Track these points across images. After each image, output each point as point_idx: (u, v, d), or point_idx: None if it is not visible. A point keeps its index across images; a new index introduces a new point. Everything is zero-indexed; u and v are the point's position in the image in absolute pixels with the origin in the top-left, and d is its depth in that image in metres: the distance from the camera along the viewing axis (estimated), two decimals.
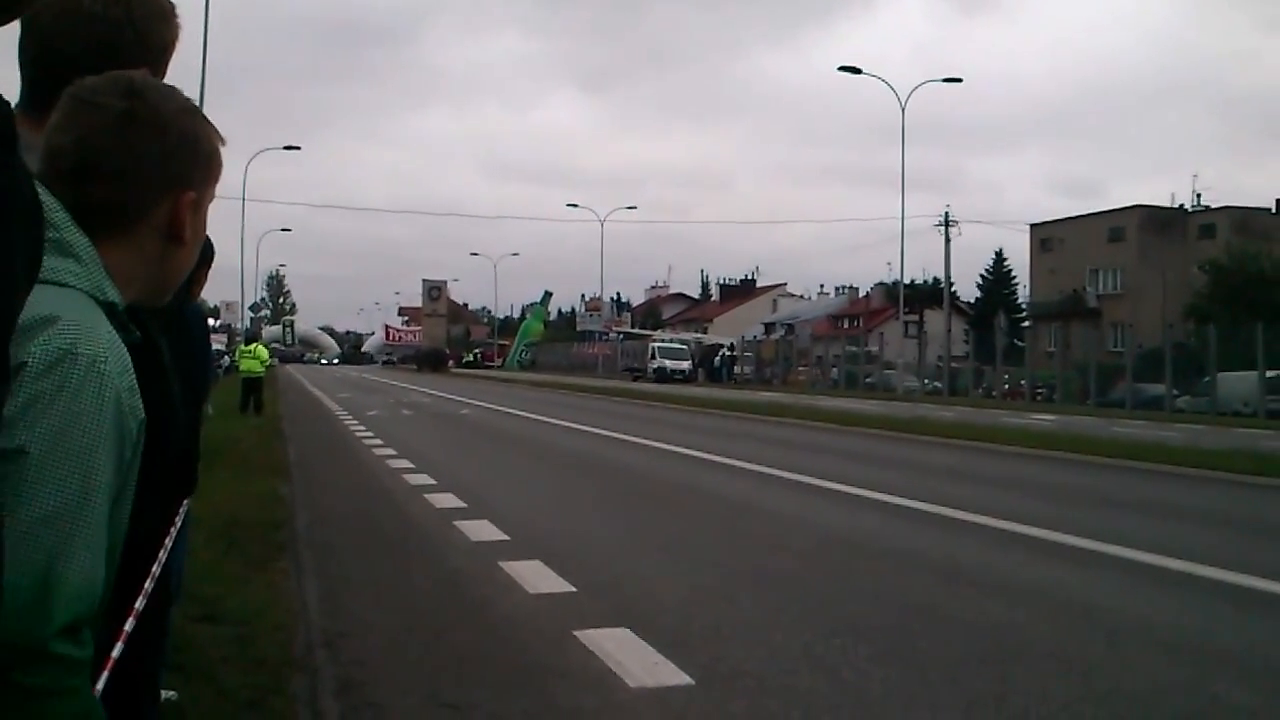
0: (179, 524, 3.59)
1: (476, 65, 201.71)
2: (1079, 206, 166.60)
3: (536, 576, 6.75)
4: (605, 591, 6.51)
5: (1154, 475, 14.33)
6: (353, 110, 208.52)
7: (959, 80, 53.05)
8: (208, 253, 3.85)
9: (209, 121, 1.53)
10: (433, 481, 11.80)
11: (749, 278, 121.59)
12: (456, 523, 8.91)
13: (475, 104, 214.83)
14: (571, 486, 12.51)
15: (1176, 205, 70.52)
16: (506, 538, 8.23)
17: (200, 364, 3.54)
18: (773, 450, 16.64)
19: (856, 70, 51.38)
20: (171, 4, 2.07)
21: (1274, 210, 68.37)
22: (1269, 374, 36.45)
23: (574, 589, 6.47)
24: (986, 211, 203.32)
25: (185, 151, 1.48)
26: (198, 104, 1.56)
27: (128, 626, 2.41)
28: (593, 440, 19.38)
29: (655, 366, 69.63)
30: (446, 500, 10.29)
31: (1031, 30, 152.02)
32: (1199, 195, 70.54)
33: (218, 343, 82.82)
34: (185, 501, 3.68)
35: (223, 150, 1.55)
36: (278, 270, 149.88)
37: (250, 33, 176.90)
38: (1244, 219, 65.85)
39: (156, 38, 2.01)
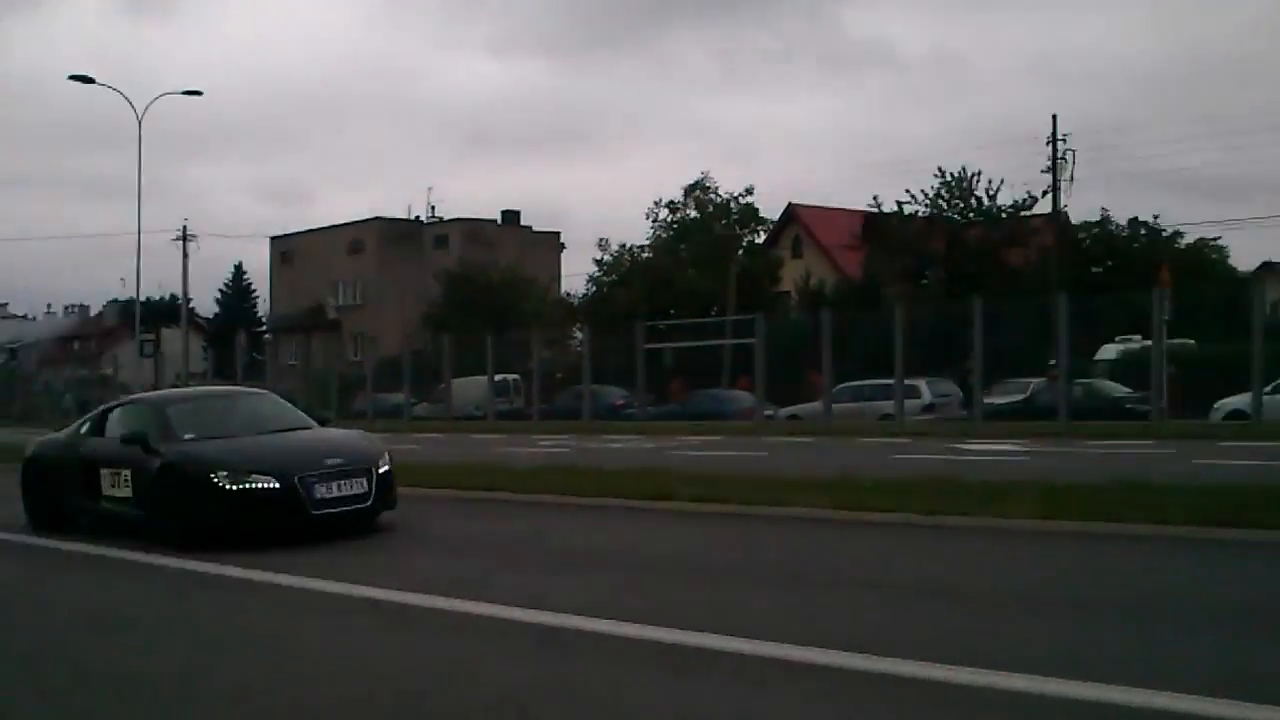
0: None
1: None
2: (295, 216, 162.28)
3: None
4: None
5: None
6: None
7: (199, 93, 48.80)
8: None
9: None
10: None
11: None
12: None
13: None
14: None
15: (413, 217, 72.49)
16: None
17: None
18: None
19: (89, 80, 45.56)
20: None
21: (499, 222, 72.91)
22: (497, 378, 37.81)
23: None
24: (196, 223, 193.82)
25: None
26: None
27: None
28: None
29: None
30: None
31: (212, 41, 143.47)
32: (433, 207, 73.05)
33: None
34: None
35: None
36: None
37: None
38: (474, 230, 69.36)
39: None
